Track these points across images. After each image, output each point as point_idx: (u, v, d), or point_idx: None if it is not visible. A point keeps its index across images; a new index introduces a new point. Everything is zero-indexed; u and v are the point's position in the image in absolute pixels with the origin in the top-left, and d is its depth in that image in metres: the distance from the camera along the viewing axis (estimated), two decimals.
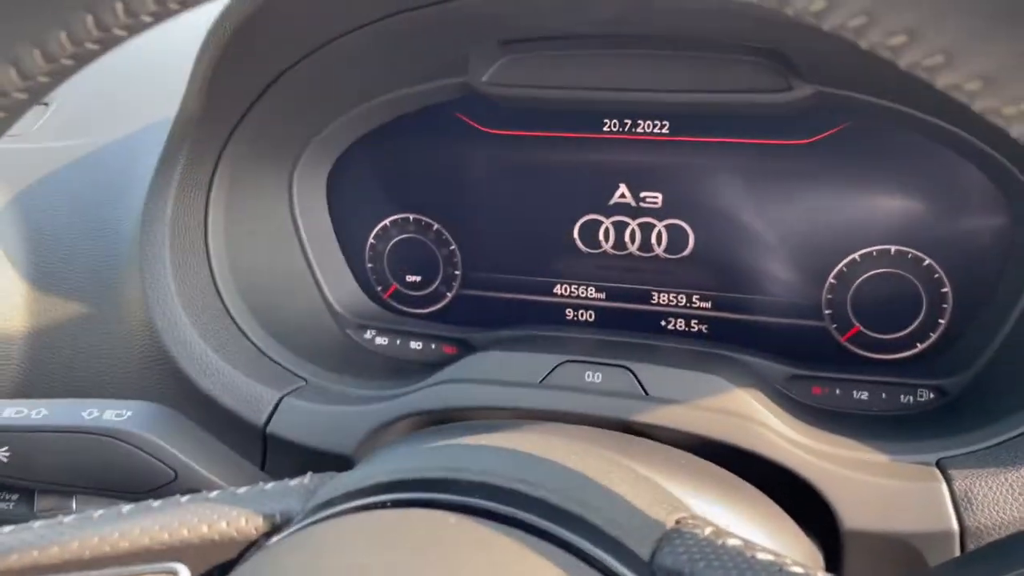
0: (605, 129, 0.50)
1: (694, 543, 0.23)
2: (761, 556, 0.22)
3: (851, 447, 0.39)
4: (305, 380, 0.46)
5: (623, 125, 0.49)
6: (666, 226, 0.50)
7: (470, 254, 0.54)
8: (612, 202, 0.51)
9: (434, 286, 0.55)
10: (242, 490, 0.28)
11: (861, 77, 0.42)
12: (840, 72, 0.42)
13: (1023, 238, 0.43)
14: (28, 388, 0.44)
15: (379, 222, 0.55)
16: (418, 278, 0.56)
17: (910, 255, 0.47)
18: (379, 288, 0.56)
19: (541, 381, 0.42)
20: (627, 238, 0.51)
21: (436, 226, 0.54)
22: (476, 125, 0.52)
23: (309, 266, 0.53)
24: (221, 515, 0.26)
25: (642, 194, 0.50)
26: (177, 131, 0.44)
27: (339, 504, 0.25)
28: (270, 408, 0.44)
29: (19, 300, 0.46)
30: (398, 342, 0.54)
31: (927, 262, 0.46)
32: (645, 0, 0.41)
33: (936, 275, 0.46)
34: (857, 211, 0.48)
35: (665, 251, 0.50)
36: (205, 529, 0.26)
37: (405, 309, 0.56)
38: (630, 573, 0.22)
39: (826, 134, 0.47)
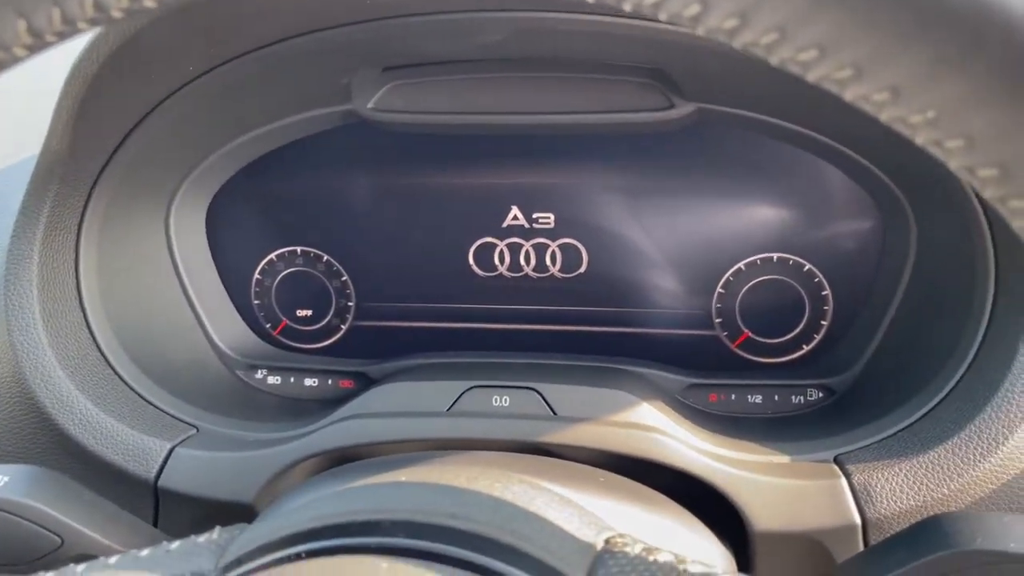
0: (495, 153, 0.50)
1: (626, 562, 0.23)
2: (692, 569, 0.22)
3: (753, 450, 0.40)
4: (196, 428, 0.43)
5: (514, 148, 0.50)
6: (560, 246, 0.51)
7: (363, 284, 0.53)
8: (505, 224, 0.51)
9: (327, 319, 0.53)
10: (145, 552, 0.26)
11: (736, 93, 0.43)
12: (718, 89, 0.43)
13: (892, 239, 0.46)
14: None
15: (264, 256, 0.53)
16: (309, 312, 0.54)
17: (791, 261, 0.49)
18: (268, 325, 0.54)
19: (448, 409, 0.42)
20: (522, 260, 0.51)
21: (326, 257, 0.53)
22: (361, 153, 0.51)
23: (191, 306, 0.50)
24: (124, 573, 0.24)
25: (534, 215, 0.50)
26: (42, 169, 0.41)
27: (255, 559, 0.24)
28: (160, 461, 0.41)
29: None
30: (292, 380, 0.52)
31: (807, 267, 0.49)
32: (520, 25, 0.41)
33: (816, 279, 0.49)
34: (738, 223, 0.50)
35: (560, 271, 0.51)
36: None
37: (297, 345, 0.54)
38: None
39: (704, 150, 0.49)
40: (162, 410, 0.43)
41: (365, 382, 0.50)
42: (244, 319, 0.53)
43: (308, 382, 0.51)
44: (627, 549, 0.24)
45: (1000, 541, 0.28)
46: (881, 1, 0.14)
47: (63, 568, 0.25)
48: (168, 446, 0.41)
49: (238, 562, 0.24)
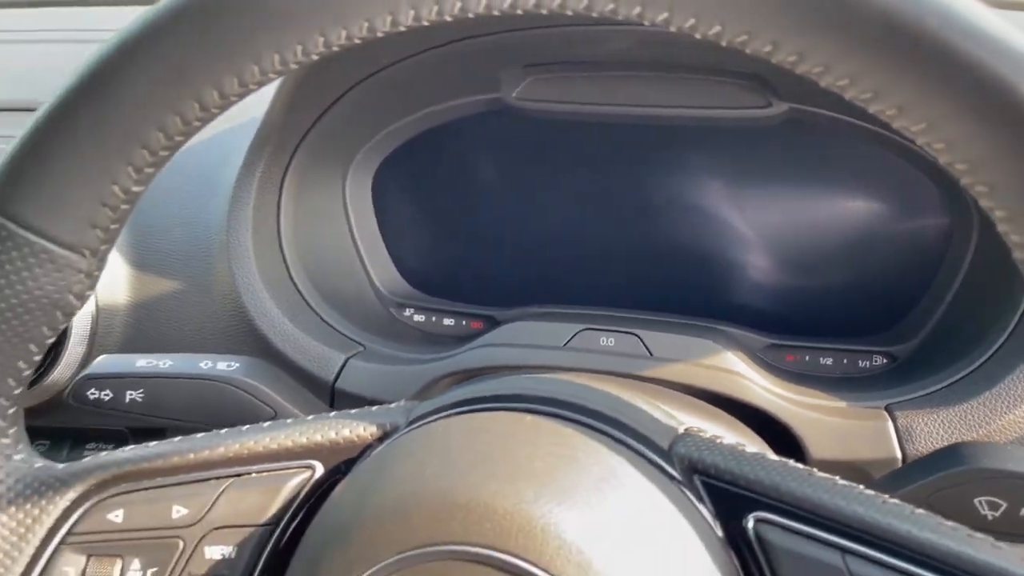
0: (618, 141, 0.59)
1: (700, 441, 0.32)
2: (750, 449, 0.31)
3: (817, 397, 0.49)
4: (363, 346, 0.55)
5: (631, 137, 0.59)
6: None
7: (491, 242, 0.63)
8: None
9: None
10: (353, 411, 0.36)
11: (826, 96, 0.51)
12: (809, 92, 0.51)
13: (958, 235, 0.53)
14: (129, 351, 0.53)
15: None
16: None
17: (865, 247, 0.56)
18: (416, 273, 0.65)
19: (564, 345, 0.51)
20: None
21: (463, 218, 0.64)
22: (499, 135, 0.62)
23: (357, 251, 0.62)
24: (343, 426, 0.35)
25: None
26: (259, 138, 0.53)
27: (436, 415, 0.34)
28: (337, 368, 0.52)
29: (123, 278, 0.54)
30: (433, 319, 0.62)
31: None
32: (642, 36, 0.50)
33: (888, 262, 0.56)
34: (821, 210, 0.57)
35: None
36: (333, 435, 0.34)
37: (437, 292, 0.65)
38: (655, 456, 0.31)
39: (794, 146, 0.57)
40: (337, 330, 0.55)
41: (492, 324, 0.60)
42: (397, 267, 0.64)
43: (446, 321, 0.62)
44: (702, 435, 0.33)
45: (1001, 462, 0.36)
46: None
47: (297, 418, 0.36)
48: (343, 357, 0.53)
49: (423, 416, 0.35)
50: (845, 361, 0.55)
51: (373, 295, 0.62)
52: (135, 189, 0.30)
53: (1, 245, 0.29)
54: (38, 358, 0.32)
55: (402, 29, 0.27)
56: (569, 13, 0.26)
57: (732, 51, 0.25)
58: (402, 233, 0.64)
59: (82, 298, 0.31)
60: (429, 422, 0.34)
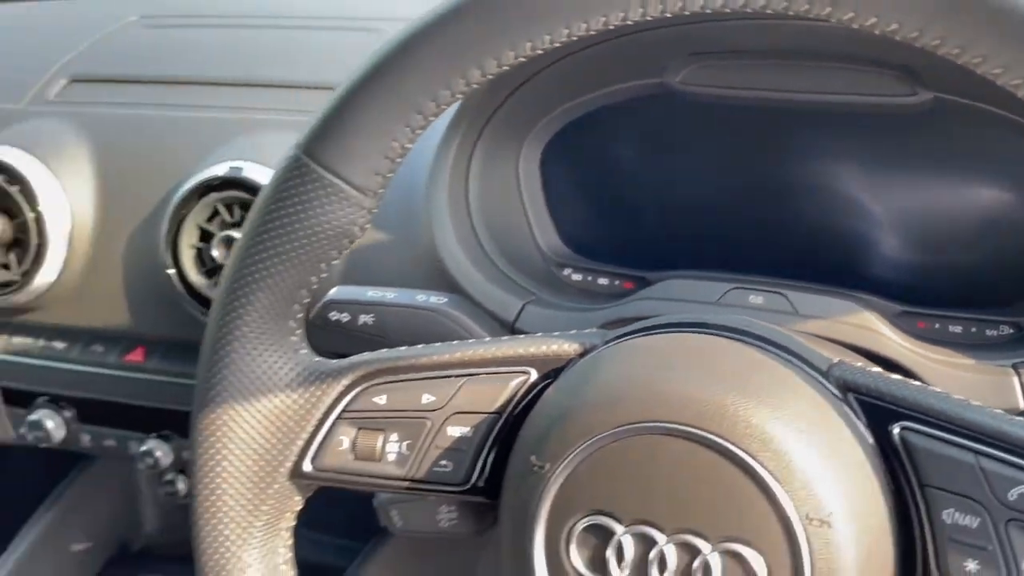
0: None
1: (855, 367, 0.39)
2: (894, 376, 0.38)
3: (947, 355, 0.54)
4: (535, 295, 0.63)
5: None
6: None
7: (643, 208, 0.71)
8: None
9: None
10: (556, 333, 0.45)
11: (971, 85, 0.56)
12: (954, 81, 0.56)
13: None
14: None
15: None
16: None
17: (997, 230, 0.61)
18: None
19: (716, 301, 0.59)
20: None
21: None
22: (660, 116, 0.69)
23: (526, 217, 0.70)
24: (552, 342, 0.43)
25: None
26: (457, 116, 0.62)
27: (630, 336, 0.42)
28: (516, 311, 0.61)
29: None
30: (588, 278, 0.71)
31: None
32: (801, 27, 0.56)
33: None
34: (958, 195, 0.62)
35: None
36: (544, 348, 0.43)
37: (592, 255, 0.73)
38: (817, 375, 0.39)
39: (936, 133, 0.62)
40: (514, 280, 0.64)
41: (643, 283, 0.68)
42: (557, 231, 0.73)
43: (600, 280, 0.70)
44: (853, 363, 0.40)
45: None
46: None
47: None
48: (521, 303, 0.61)
49: (619, 336, 0.43)
50: (973, 329, 0.60)
51: (538, 254, 0.70)
52: (408, 146, 0.39)
53: (307, 183, 0.39)
54: (324, 275, 0.41)
55: (629, 23, 0.35)
56: (769, 11, 0.33)
57: (881, 42, 0.32)
58: (563, 201, 0.73)
59: (363, 230, 0.41)
60: (625, 340, 0.42)
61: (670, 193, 0.69)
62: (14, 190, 0.67)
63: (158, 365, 0.70)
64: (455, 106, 0.63)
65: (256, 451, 0.42)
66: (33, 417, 0.76)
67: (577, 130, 0.72)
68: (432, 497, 0.44)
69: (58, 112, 0.74)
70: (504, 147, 0.68)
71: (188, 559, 0.95)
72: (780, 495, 0.33)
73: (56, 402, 0.77)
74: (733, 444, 0.34)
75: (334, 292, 0.56)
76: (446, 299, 0.55)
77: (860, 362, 0.43)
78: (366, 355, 0.44)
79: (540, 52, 0.36)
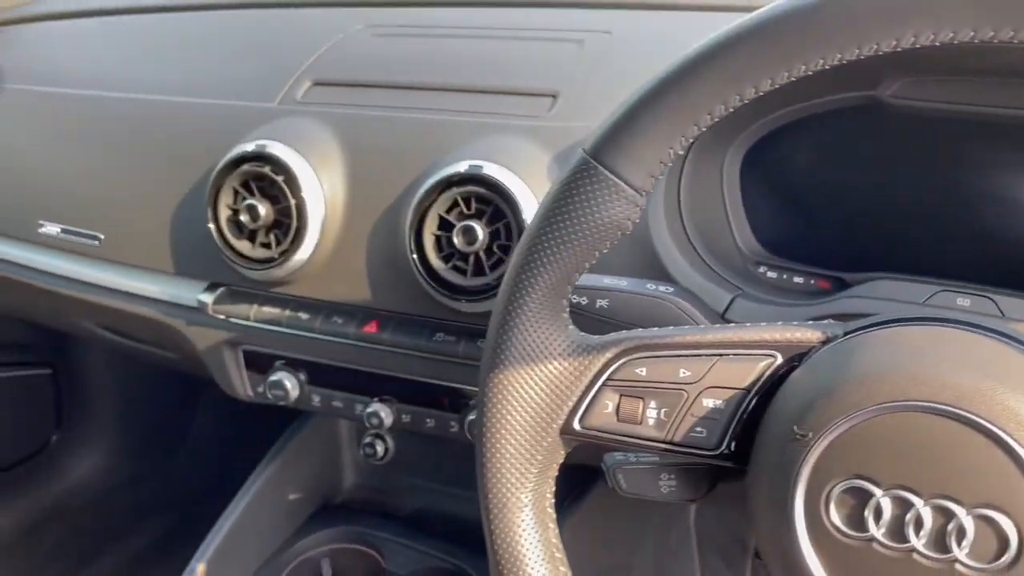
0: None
1: None
2: None
3: None
4: (741, 289, 0.69)
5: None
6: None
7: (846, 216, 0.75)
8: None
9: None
10: (795, 323, 0.50)
11: None
12: None
13: None
14: None
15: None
16: None
17: None
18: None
19: (923, 302, 0.63)
20: None
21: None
22: (860, 125, 0.73)
23: (727, 218, 0.76)
24: (795, 330, 0.48)
25: None
26: None
27: (870, 329, 0.47)
28: (727, 302, 0.67)
29: None
30: (784, 276, 0.75)
31: None
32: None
33: None
34: None
35: None
36: (788, 335, 0.48)
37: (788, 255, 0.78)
38: None
39: None
40: (720, 275, 0.70)
41: (840, 284, 0.72)
42: (753, 232, 0.78)
43: (796, 279, 0.75)
44: None
45: None
46: None
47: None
48: (730, 295, 0.67)
49: (856, 330, 0.48)
50: None
51: (736, 252, 0.76)
52: (680, 152, 0.45)
53: (593, 182, 0.46)
54: (594, 262, 0.48)
55: (898, 50, 0.40)
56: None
57: None
58: (760, 203, 0.77)
59: (634, 223, 0.47)
60: (869, 331, 0.47)
61: (868, 199, 0.73)
62: (279, 179, 0.77)
63: (390, 337, 0.79)
64: None
65: (534, 409, 0.50)
66: (273, 378, 0.87)
67: (778, 136, 0.77)
68: (650, 458, 0.51)
69: (308, 112, 0.84)
70: (712, 151, 0.73)
71: (381, 513, 1.05)
72: None
73: (292, 365, 0.87)
74: (991, 423, 0.39)
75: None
76: (672, 289, 0.61)
77: None
78: (626, 333, 0.50)
79: (811, 73, 0.42)
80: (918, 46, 0.40)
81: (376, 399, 0.85)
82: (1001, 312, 0.60)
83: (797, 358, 0.48)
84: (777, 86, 0.43)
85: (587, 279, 0.63)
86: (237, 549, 0.91)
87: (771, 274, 0.76)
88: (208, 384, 0.96)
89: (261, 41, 1.01)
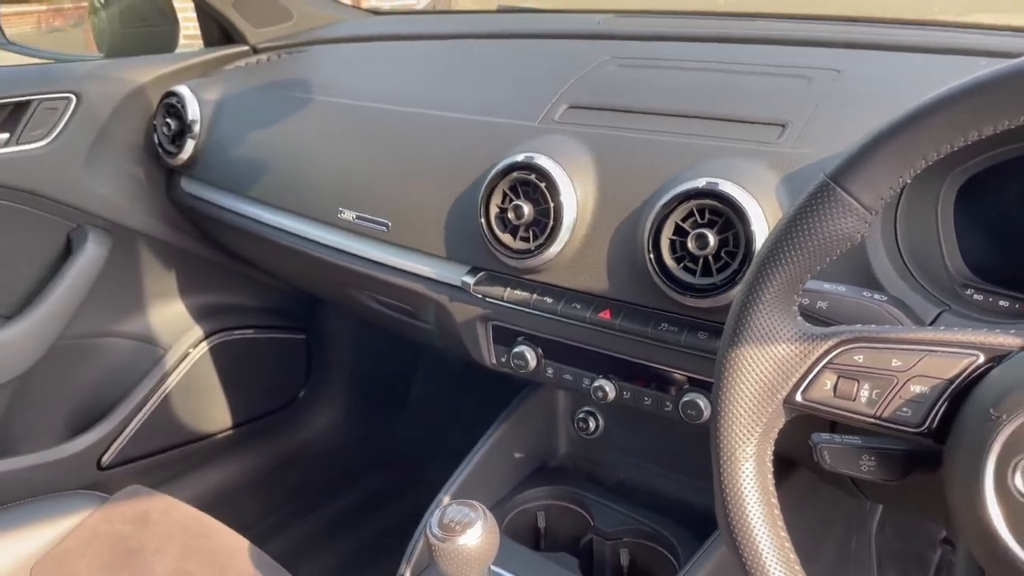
0: None
1: None
2: None
3: None
4: (948, 305, 0.77)
5: None
6: None
7: None
8: None
9: None
10: (998, 328, 0.59)
11: None
12: None
13: None
14: None
15: None
16: None
17: None
18: None
19: None
20: None
21: None
22: None
23: (939, 242, 0.84)
24: (997, 335, 0.57)
25: None
26: None
27: None
28: (934, 315, 0.75)
29: None
30: (989, 299, 0.83)
31: None
32: None
33: None
34: None
35: None
36: (991, 339, 0.57)
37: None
38: None
39: None
40: (932, 293, 0.78)
41: None
42: (963, 258, 0.85)
43: (1001, 302, 0.82)
44: None
45: None
46: None
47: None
48: (937, 310, 0.76)
49: None
50: None
51: (945, 274, 0.84)
52: (908, 180, 0.56)
53: (831, 200, 0.57)
54: (824, 266, 0.60)
55: None
56: None
57: None
58: (972, 232, 0.85)
59: (861, 237, 0.58)
60: None
61: None
62: (542, 185, 0.94)
63: (621, 323, 0.93)
64: None
65: (762, 380, 0.62)
66: (516, 350, 1.04)
67: (992, 172, 0.84)
68: (852, 440, 0.61)
69: (564, 131, 1.01)
70: (930, 181, 0.82)
71: (591, 478, 1.20)
72: None
73: (532, 341, 1.04)
74: None
75: None
76: (886, 297, 0.72)
77: None
78: (847, 327, 0.61)
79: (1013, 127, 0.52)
80: None
81: (602, 376, 0.99)
82: None
83: (998, 359, 0.57)
84: (999, 131, 0.53)
85: (809, 283, 0.74)
86: (471, 492, 1.09)
87: (977, 296, 0.83)
88: (429, 359, 1.13)
89: (523, 67, 1.19)
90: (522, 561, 1.00)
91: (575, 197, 0.94)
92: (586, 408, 1.20)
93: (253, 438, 1.81)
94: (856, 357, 0.60)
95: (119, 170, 1.46)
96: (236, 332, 1.72)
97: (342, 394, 1.92)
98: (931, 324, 0.75)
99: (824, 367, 0.61)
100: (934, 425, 0.58)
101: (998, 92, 0.52)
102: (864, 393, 0.60)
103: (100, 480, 1.55)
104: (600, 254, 0.94)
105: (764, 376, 0.62)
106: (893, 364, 0.59)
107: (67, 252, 1.45)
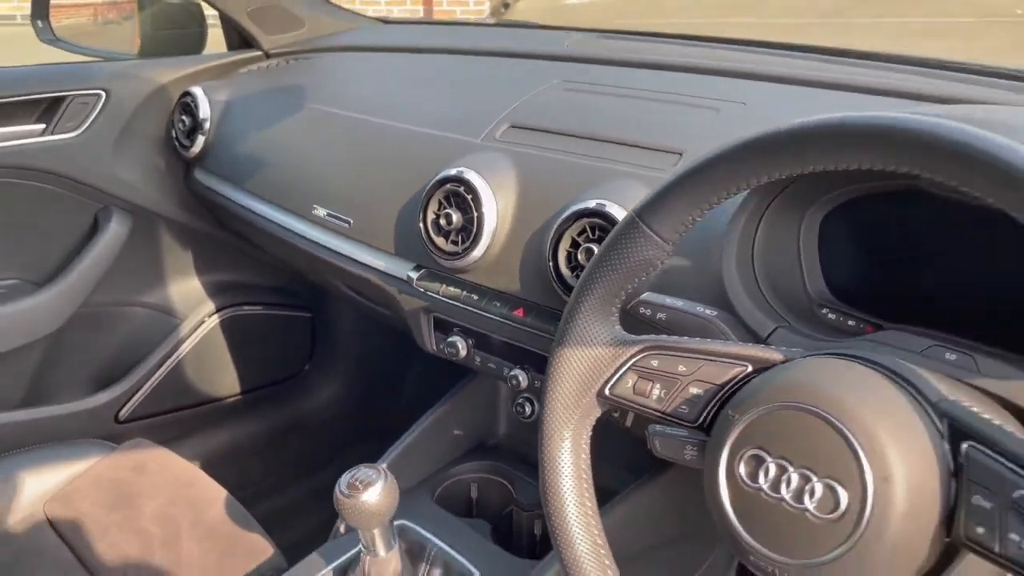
0: None
1: (965, 407, 0.61)
2: None
3: None
4: (789, 323, 0.88)
5: None
6: None
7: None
8: None
9: None
10: (773, 346, 0.71)
11: None
12: None
13: None
14: None
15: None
16: None
17: None
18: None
19: (920, 352, 0.79)
20: None
21: None
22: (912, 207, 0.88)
23: (800, 269, 0.94)
24: (766, 351, 0.69)
25: None
26: (748, 197, 0.89)
27: (812, 355, 0.67)
28: (770, 330, 0.86)
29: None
30: (840, 318, 0.93)
31: None
32: None
33: None
34: None
35: None
36: (760, 353, 0.69)
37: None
38: (923, 400, 0.61)
39: None
40: (775, 310, 0.89)
41: (879, 329, 0.89)
42: (825, 281, 0.95)
43: (850, 322, 0.92)
44: (970, 406, 0.61)
45: None
46: None
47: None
48: (775, 325, 0.87)
49: (809, 355, 0.68)
50: None
51: (804, 296, 0.94)
52: (699, 219, 0.68)
53: (635, 234, 0.70)
54: (633, 288, 0.72)
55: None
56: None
57: None
58: (834, 259, 0.95)
59: (662, 263, 0.71)
60: (807, 358, 0.67)
61: (909, 264, 0.89)
62: (469, 197, 1.07)
63: (531, 321, 1.06)
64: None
65: (580, 376, 0.75)
66: (450, 339, 1.18)
67: (848, 207, 0.94)
68: (679, 432, 0.73)
69: (500, 148, 1.14)
70: (787, 216, 0.92)
71: (519, 456, 1.33)
72: (863, 459, 0.57)
73: (464, 332, 1.18)
74: (841, 424, 0.59)
75: (645, 295, 0.87)
76: (716, 313, 0.83)
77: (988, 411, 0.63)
78: (651, 336, 0.74)
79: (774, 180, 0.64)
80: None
81: (517, 366, 1.13)
82: (978, 368, 0.75)
83: (763, 370, 0.69)
84: (761, 184, 0.65)
85: (654, 297, 0.86)
86: (409, 461, 1.24)
87: (831, 315, 0.94)
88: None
89: (484, 85, 1.33)
90: (440, 523, 1.15)
91: (496, 209, 1.07)
92: (525, 394, 1.33)
93: (257, 406, 1.99)
94: (653, 361, 0.73)
95: (142, 159, 1.64)
96: (246, 308, 1.90)
97: (343, 371, 2.09)
98: (767, 338, 0.86)
99: (628, 368, 0.74)
100: (706, 423, 0.70)
101: (761, 152, 0.64)
102: (655, 392, 0.72)
103: (117, 432, 1.75)
104: (515, 259, 1.07)
105: (581, 372, 0.75)
106: (679, 369, 0.71)
107: (93, 230, 1.64)
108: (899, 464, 0.57)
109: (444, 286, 1.15)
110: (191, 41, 1.75)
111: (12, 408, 1.63)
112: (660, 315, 0.85)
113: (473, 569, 1.06)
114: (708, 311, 0.84)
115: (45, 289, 1.59)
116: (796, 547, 0.61)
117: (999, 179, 0.53)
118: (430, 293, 1.17)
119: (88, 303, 1.66)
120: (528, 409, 1.30)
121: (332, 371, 2.10)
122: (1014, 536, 0.54)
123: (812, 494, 0.60)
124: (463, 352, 1.17)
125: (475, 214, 1.07)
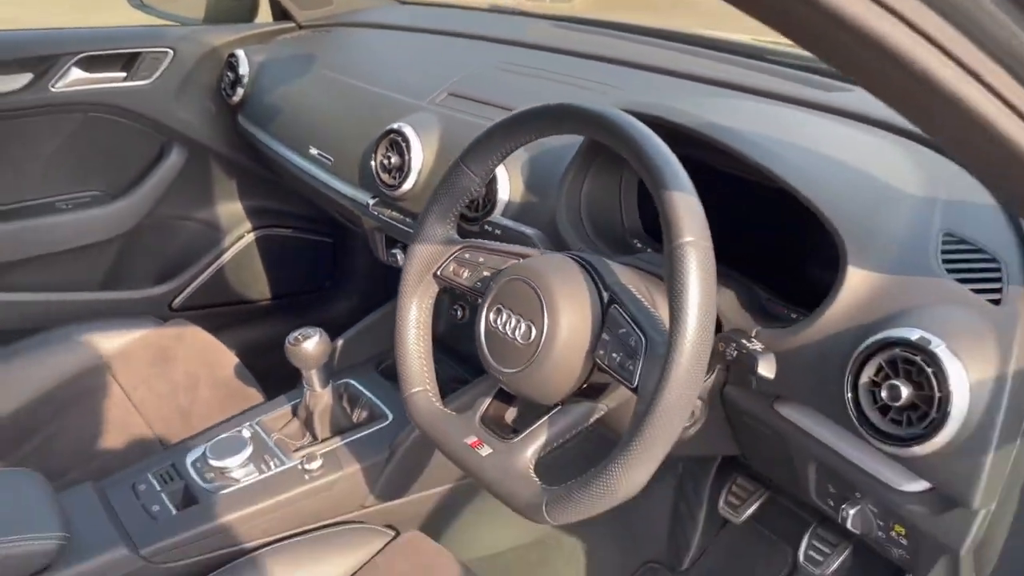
0: None
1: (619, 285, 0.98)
2: None
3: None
4: (596, 245, 1.25)
5: None
6: None
7: None
8: None
9: None
10: (535, 248, 1.09)
11: None
12: None
13: None
14: None
15: None
16: None
17: None
18: None
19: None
20: None
21: None
22: None
23: (620, 208, 1.31)
24: (527, 250, 1.08)
25: None
26: (579, 153, 1.26)
27: (566, 255, 1.05)
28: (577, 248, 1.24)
29: (509, 185, 1.33)
30: (641, 246, 1.29)
31: None
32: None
33: None
34: None
35: None
36: (522, 251, 1.08)
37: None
38: (596, 277, 0.99)
39: None
40: (593, 240, 1.26)
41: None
42: (640, 219, 1.31)
43: (649, 249, 1.28)
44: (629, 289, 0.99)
45: None
46: None
47: None
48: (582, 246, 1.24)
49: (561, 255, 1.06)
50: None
51: (622, 231, 1.30)
52: (499, 161, 1.07)
53: (458, 172, 1.09)
54: (460, 208, 1.11)
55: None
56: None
57: None
58: (647, 204, 1.30)
59: (477, 192, 1.10)
60: (548, 253, 1.05)
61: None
62: (404, 144, 1.47)
63: None
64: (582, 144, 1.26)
65: (424, 261, 1.14)
66: (393, 251, 1.59)
67: None
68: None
69: (435, 110, 1.53)
70: (611, 172, 1.28)
71: (447, 347, 1.75)
72: (544, 307, 0.96)
73: (404, 247, 1.58)
74: (537, 286, 0.96)
75: (492, 216, 1.25)
76: (534, 231, 1.21)
77: (639, 292, 1.00)
78: (469, 239, 1.13)
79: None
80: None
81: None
82: None
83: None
84: (533, 140, 1.03)
85: (497, 218, 1.25)
86: (362, 340, 1.66)
87: (640, 246, 1.29)
88: None
89: (445, 59, 1.72)
90: (376, 385, 1.57)
91: (421, 153, 1.47)
92: (460, 302, 1.73)
93: (283, 311, 2.45)
94: (466, 255, 1.12)
95: (198, 104, 2.10)
96: (277, 229, 2.36)
97: (355, 289, 2.52)
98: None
99: (452, 258, 1.13)
100: (485, 291, 1.09)
101: (525, 120, 1.02)
102: (465, 273, 1.11)
103: (170, 317, 2.24)
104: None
105: (424, 259, 1.15)
106: (480, 259, 1.10)
107: (158, 157, 2.12)
108: (566, 313, 0.96)
109: (390, 211, 1.56)
110: (244, 10, 2.19)
111: (94, 289, 2.13)
112: (497, 230, 1.24)
113: (388, 412, 1.48)
114: (528, 229, 1.23)
115: (120, 200, 2.08)
116: (508, 363, 0.99)
117: (617, 136, 0.90)
118: (381, 216, 1.58)
119: (152, 215, 2.13)
120: (460, 313, 1.71)
121: (349, 289, 2.54)
122: (614, 355, 0.92)
123: (518, 330, 0.98)
124: (402, 262, 1.58)
125: (407, 156, 1.47)
